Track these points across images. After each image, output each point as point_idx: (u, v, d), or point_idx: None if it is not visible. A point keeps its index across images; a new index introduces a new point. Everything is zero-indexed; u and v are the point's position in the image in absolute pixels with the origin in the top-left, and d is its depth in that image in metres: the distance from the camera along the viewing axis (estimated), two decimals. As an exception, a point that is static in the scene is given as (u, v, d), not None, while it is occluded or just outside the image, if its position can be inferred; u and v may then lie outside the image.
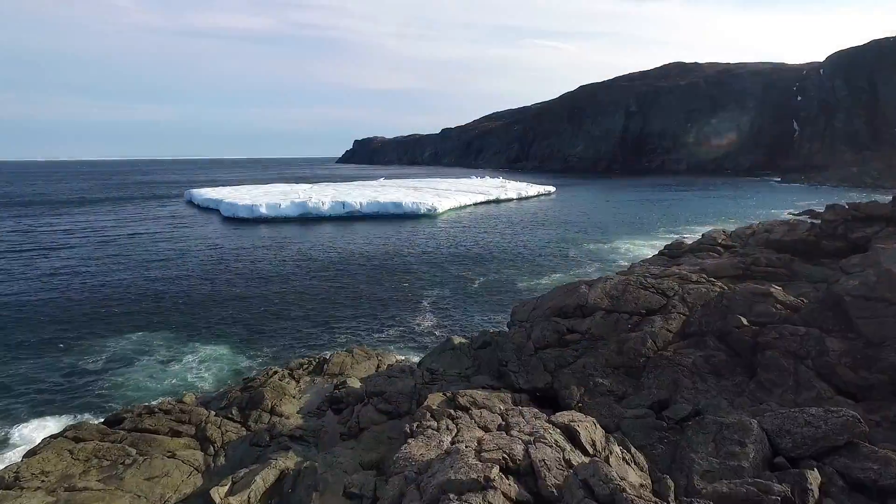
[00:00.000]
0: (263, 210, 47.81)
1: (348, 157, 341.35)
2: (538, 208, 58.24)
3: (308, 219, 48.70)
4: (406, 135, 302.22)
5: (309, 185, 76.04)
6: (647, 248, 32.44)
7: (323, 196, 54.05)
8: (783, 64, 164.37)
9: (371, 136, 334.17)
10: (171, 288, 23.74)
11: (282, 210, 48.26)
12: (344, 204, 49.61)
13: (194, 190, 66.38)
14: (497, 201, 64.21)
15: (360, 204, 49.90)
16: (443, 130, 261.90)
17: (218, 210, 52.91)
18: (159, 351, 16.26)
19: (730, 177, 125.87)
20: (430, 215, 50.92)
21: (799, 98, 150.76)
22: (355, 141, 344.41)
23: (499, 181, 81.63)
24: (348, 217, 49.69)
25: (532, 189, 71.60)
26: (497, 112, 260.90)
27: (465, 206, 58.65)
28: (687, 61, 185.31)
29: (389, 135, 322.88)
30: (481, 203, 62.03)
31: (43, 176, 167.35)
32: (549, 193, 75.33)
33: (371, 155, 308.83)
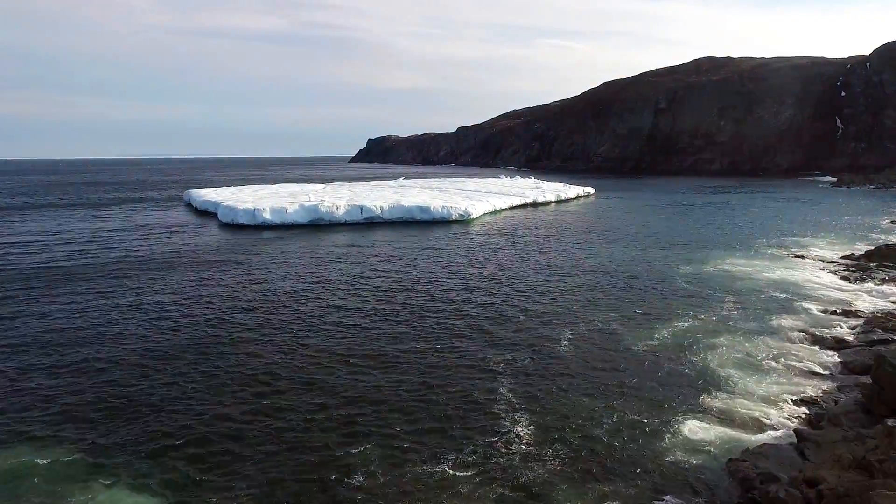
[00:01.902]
0: (267, 215, 40.23)
1: (362, 156, 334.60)
2: (584, 214, 50.21)
3: (320, 226, 41.10)
4: (421, 133, 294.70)
5: (321, 186, 68.65)
6: (775, 272, 24.27)
7: (337, 199, 46.44)
8: (823, 58, 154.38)
9: (385, 134, 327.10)
10: (100, 354, 15.51)
11: (289, 216, 40.65)
12: (362, 208, 41.91)
13: (193, 191, 59.04)
14: (534, 204, 56.27)
15: (381, 208, 42.18)
16: (459, 129, 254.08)
17: (216, 215, 45.49)
18: (31, 496, 8.64)
19: (773, 178, 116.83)
20: (463, 221, 43.12)
21: (843, 94, 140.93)
22: (369, 140, 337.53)
23: (531, 181, 73.60)
24: (367, 223, 42.03)
25: (571, 191, 63.52)
26: (515, 110, 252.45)
27: (501, 211, 50.77)
28: (718, 55, 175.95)
29: (403, 134, 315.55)
30: (517, 207, 54.14)
31: (39, 174, 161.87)
32: (587, 195, 67.31)
33: (385, 154, 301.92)
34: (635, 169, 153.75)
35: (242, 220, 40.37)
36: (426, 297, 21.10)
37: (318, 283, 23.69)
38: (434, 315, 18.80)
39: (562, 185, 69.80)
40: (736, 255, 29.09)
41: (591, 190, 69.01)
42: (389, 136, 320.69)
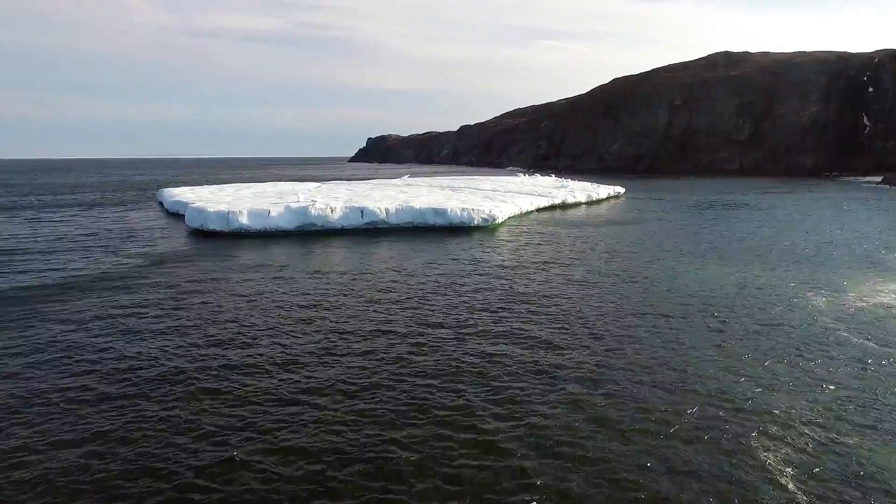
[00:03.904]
0: (244, 220, 32.10)
1: (361, 156, 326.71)
2: (626, 218, 42.17)
3: (311, 233, 33.03)
4: (421, 133, 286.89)
5: (316, 184, 60.59)
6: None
7: (333, 199, 38.38)
8: (847, 52, 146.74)
9: (384, 134, 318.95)
10: None
11: (271, 220, 32.53)
12: (363, 211, 33.79)
13: (166, 190, 50.93)
14: (563, 206, 48.27)
15: (386, 210, 34.08)
16: (461, 127, 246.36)
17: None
18: None
19: (798, 178, 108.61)
20: (488, 227, 35.08)
21: (870, 89, 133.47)
22: (368, 139, 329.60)
23: (553, 179, 65.53)
24: (369, 230, 33.97)
25: (601, 190, 55.54)
26: (520, 108, 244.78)
27: (528, 213, 42.73)
28: (734, 50, 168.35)
29: (403, 134, 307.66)
30: (545, 209, 46.12)
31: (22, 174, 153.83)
32: (618, 196, 59.42)
33: (385, 153, 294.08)
34: (649, 168, 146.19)
35: (214, 225, 32.24)
36: (472, 355, 13.04)
37: (301, 322, 15.61)
38: (494, 393, 10.75)
39: (590, 183, 61.80)
40: (880, 279, 21.05)
41: (621, 190, 61.10)
42: (389, 136, 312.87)
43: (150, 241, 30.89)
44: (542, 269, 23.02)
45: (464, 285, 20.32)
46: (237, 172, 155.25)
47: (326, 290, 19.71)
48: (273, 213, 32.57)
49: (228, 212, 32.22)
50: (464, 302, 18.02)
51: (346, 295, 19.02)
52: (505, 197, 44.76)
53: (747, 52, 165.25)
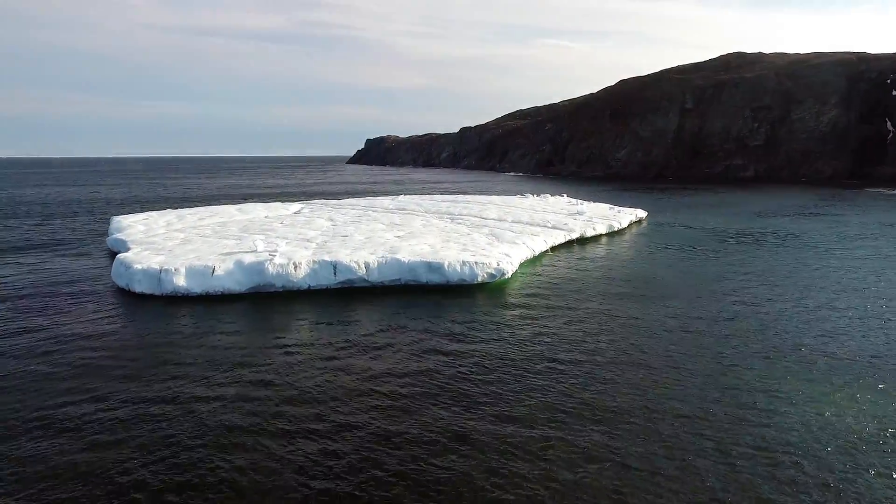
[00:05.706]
0: (181, 281, 24.79)
1: (359, 157, 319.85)
2: (660, 257, 34.84)
3: (270, 295, 25.75)
4: (421, 134, 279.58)
5: (298, 206, 53.56)
6: None
7: (304, 242, 31.13)
8: (868, 53, 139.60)
9: (384, 134, 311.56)
10: None
11: (217, 280, 25.20)
12: (335, 266, 26.44)
13: (117, 219, 43.45)
14: (581, 240, 40.99)
15: (366, 266, 26.77)
16: (461, 129, 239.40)
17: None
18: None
19: (818, 186, 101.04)
20: (495, 284, 27.81)
21: (894, 93, 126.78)
22: (367, 140, 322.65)
23: (565, 201, 58.04)
24: (343, 290, 26.69)
25: (623, 217, 48.20)
26: (522, 109, 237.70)
27: (542, 256, 35.45)
28: (748, 51, 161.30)
29: (403, 134, 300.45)
30: (561, 245, 38.85)
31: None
32: (640, 221, 52.17)
33: (384, 155, 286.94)
34: (660, 176, 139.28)
35: (141, 287, 24.92)
36: None
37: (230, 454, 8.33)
38: None
39: (608, 207, 54.42)
40: None
41: (643, 214, 53.81)
42: (388, 137, 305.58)
43: (51, 308, 23.48)
44: (579, 355, 15.69)
45: (458, 393, 13.05)
46: (225, 178, 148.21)
47: (270, 399, 12.39)
48: (219, 272, 25.24)
49: (161, 270, 24.87)
50: (457, 425, 10.76)
51: (301, 399, 11.69)
52: (513, 232, 37.54)
53: (762, 53, 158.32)
